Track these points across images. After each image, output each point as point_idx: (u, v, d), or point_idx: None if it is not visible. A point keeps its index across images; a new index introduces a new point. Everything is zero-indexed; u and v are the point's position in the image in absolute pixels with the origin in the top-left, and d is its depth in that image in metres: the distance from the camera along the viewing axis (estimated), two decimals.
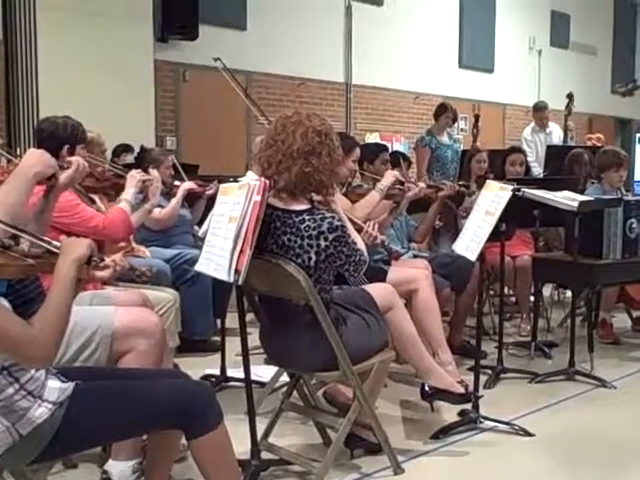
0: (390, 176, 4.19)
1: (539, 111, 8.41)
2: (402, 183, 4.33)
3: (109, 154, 5.90)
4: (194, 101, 8.54)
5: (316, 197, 2.92)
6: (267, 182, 2.70)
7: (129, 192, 3.69)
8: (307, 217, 2.76)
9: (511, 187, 3.70)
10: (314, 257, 2.74)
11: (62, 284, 1.96)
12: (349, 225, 3.01)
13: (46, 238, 2.11)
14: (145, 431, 2.39)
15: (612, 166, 5.18)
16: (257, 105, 4.54)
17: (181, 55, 8.42)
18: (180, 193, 4.81)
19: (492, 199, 3.73)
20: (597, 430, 3.63)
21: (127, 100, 7.25)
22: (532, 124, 8.52)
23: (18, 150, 5.94)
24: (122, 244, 4.26)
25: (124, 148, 6.37)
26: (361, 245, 2.95)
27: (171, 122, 8.55)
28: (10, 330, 1.86)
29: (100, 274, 2.16)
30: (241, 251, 2.64)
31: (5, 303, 2.00)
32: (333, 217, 2.77)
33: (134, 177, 3.75)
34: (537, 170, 7.62)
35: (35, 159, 2.43)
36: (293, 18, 9.42)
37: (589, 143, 9.10)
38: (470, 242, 3.72)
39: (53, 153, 2.49)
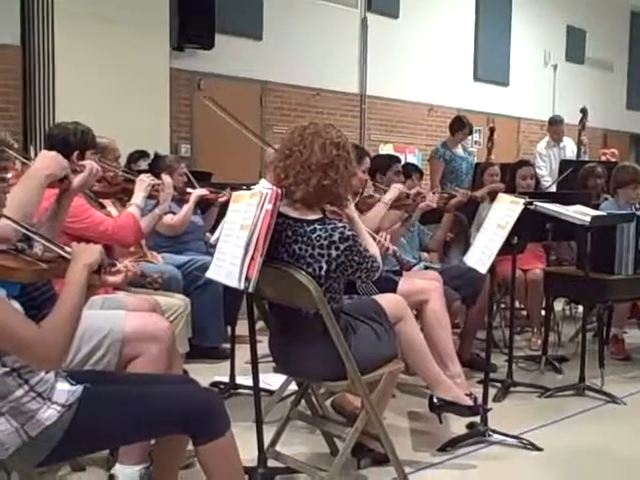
0: (395, 190, 4.18)
1: (555, 125, 8.37)
2: (408, 195, 4.31)
3: (123, 160, 5.93)
4: (209, 109, 8.53)
5: (328, 207, 2.92)
6: (279, 190, 2.70)
7: (138, 196, 3.69)
8: (318, 227, 2.75)
9: (523, 201, 3.70)
10: (325, 266, 2.73)
11: (73, 289, 1.99)
12: (364, 231, 3.02)
13: (59, 243, 2.13)
14: (152, 436, 2.40)
15: (630, 183, 5.13)
16: (253, 132, 4.54)
17: (197, 64, 8.47)
18: (192, 199, 4.81)
19: (504, 212, 3.73)
20: (606, 446, 3.61)
21: (143, 107, 7.29)
22: (546, 138, 8.50)
23: (33, 154, 5.98)
24: (134, 249, 4.28)
25: (141, 154, 6.40)
26: (375, 251, 2.95)
27: (186, 130, 8.59)
28: (21, 332, 1.88)
29: (112, 279, 2.19)
30: (252, 259, 2.65)
31: (17, 305, 2.02)
32: (344, 227, 2.77)
33: (143, 181, 3.76)
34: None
35: (47, 161, 2.45)
36: (309, 28, 9.46)
37: (603, 158, 9.08)
38: (481, 255, 3.71)
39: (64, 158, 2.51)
